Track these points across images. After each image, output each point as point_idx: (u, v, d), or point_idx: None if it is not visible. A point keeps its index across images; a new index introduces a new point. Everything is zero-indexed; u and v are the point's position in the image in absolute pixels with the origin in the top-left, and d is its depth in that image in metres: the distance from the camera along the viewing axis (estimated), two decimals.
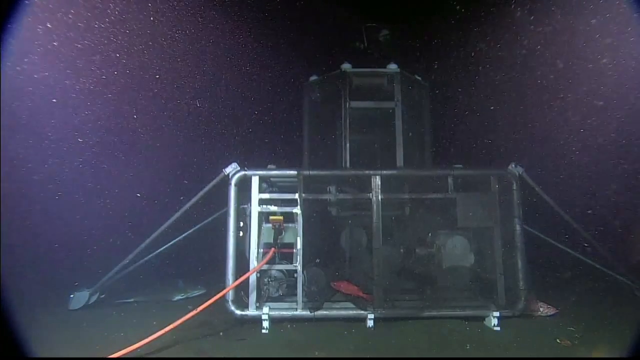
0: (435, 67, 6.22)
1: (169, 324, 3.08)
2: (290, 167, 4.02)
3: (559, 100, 5.87)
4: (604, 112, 5.37)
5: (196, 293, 4.78)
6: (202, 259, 5.40)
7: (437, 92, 5.74)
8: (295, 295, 3.77)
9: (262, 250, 3.88)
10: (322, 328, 3.56)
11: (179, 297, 4.71)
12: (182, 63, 6.47)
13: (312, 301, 3.80)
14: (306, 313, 3.70)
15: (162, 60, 6.19)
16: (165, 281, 5.17)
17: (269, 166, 4.11)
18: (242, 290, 3.81)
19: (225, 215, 3.88)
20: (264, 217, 3.96)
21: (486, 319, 3.68)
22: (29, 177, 5.17)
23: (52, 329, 3.49)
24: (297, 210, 3.88)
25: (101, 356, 2.76)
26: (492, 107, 6.38)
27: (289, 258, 3.90)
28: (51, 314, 3.94)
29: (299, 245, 3.83)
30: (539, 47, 5.87)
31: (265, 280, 3.86)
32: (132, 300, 4.56)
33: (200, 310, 3.27)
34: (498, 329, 3.55)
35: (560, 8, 5.51)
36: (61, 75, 5.21)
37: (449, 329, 3.51)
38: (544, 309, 3.90)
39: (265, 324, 3.58)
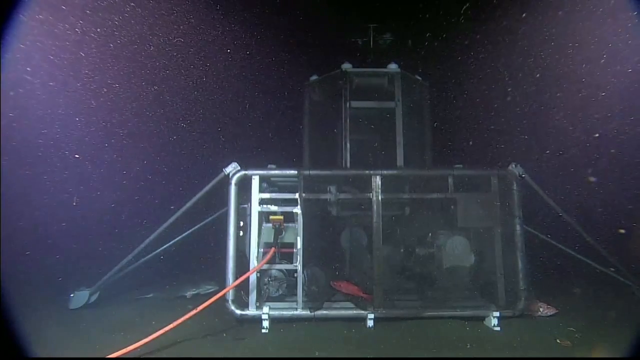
0: (436, 66, 6.21)
1: (169, 324, 3.07)
2: (290, 167, 4.02)
3: (560, 99, 5.87)
4: (606, 111, 5.36)
5: (209, 289, 4.75)
6: (207, 257, 5.39)
7: (437, 92, 5.74)
8: (295, 295, 3.77)
9: (262, 249, 3.88)
10: (322, 328, 3.55)
11: (192, 293, 4.72)
12: (182, 63, 6.47)
13: (312, 301, 3.80)
14: (306, 313, 3.70)
15: (162, 60, 6.20)
16: (176, 278, 5.21)
17: (269, 166, 4.10)
18: (242, 290, 3.81)
19: (226, 214, 3.87)
20: (264, 216, 3.96)
21: (486, 319, 3.68)
22: (29, 177, 5.17)
23: (52, 329, 3.49)
24: (297, 210, 3.88)
25: (101, 356, 2.75)
26: (492, 107, 6.38)
27: (289, 258, 3.90)
28: (51, 314, 3.93)
29: (299, 245, 3.83)
30: (540, 46, 5.87)
31: (265, 280, 3.86)
32: (151, 295, 4.69)
33: (200, 310, 3.27)
34: (498, 329, 3.55)
35: (562, 7, 5.50)
36: (60, 74, 5.21)
37: (449, 329, 3.51)
38: (544, 309, 3.90)
39: (265, 323, 3.58)
